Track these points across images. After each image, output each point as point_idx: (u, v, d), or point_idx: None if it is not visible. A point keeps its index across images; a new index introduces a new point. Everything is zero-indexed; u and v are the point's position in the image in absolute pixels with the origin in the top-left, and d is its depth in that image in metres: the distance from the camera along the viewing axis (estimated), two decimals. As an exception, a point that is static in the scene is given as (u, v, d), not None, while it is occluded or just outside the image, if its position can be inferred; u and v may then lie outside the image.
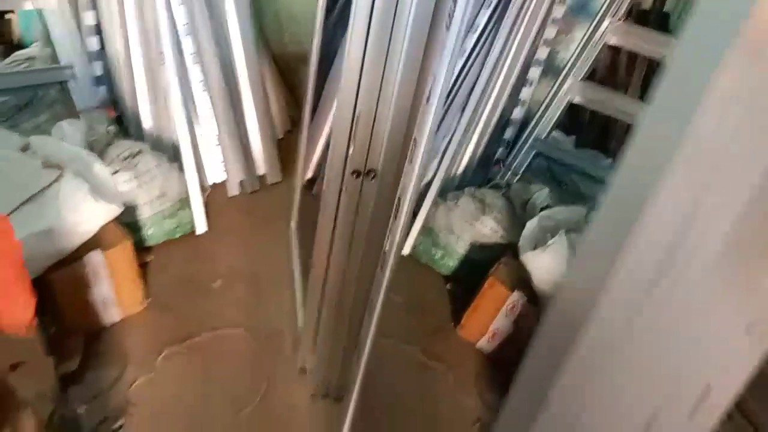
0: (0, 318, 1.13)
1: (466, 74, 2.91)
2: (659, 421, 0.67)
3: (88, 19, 2.68)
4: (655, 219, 0.60)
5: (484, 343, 2.46)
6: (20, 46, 3.02)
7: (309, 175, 3.16)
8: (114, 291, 2.14)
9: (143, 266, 2.43)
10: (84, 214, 1.88)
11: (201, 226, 2.72)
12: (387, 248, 1.46)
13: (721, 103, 0.56)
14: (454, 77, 2.90)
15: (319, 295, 1.85)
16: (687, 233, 0.59)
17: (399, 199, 1.32)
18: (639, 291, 0.64)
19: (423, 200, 2.92)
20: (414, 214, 2.93)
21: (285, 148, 3.33)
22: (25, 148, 1.95)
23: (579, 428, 0.77)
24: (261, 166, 3.16)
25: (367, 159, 1.55)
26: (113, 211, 2.01)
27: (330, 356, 1.94)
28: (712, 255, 0.59)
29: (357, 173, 1.57)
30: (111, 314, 2.18)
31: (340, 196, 1.64)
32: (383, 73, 1.37)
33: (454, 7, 1.06)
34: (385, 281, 1.43)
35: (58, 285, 2.00)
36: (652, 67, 3.46)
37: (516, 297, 2.32)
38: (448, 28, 1.09)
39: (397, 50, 1.33)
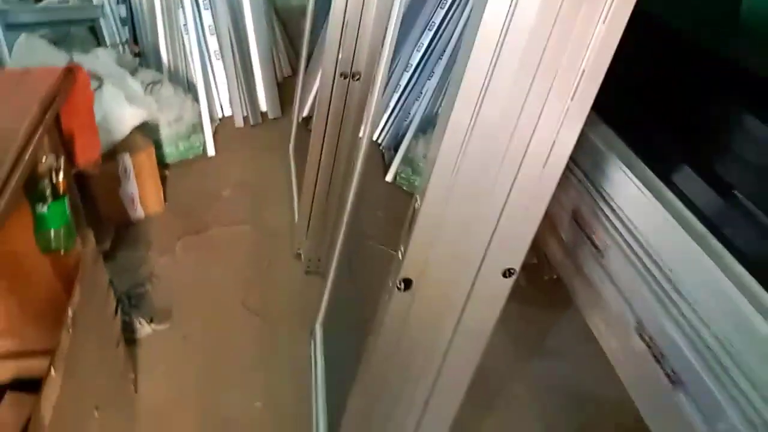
0: (78, 154, 1.44)
1: (447, 24, 3.21)
2: (522, 173, 0.99)
3: (115, -34, 2.98)
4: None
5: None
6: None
7: (305, 113, 3.47)
8: (139, 190, 2.46)
9: (163, 178, 2.74)
10: (121, 116, 2.19)
11: (211, 149, 3.03)
12: (361, 134, 1.76)
13: None
14: (435, 27, 3.20)
15: (312, 187, 2.17)
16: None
17: (373, 80, 1.63)
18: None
19: (405, 135, 3.24)
20: (395, 149, 3.26)
21: (285, 91, 3.62)
22: (70, 62, 2.25)
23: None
24: (263, 104, 3.47)
25: (352, 62, 1.87)
26: (143, 114, 2.31)
27: (319, 242, 2.26)
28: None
29: (344, 75, 1.89)
30: (137, 211, 2.50)
31: (331, 96, 1.96)
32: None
33: None
34: (360, 161, 1.73)
35: (95, 180, 2.32)
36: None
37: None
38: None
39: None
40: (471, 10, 0.84)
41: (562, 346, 2.04)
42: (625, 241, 1.06)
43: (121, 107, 2.19)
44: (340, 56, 1.86)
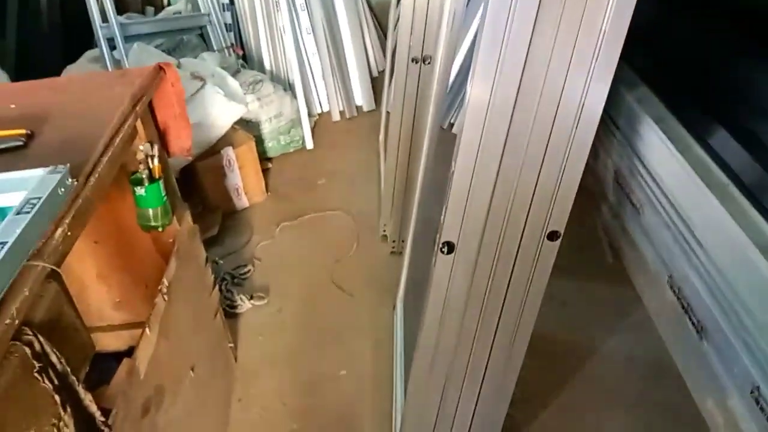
0: (170, 142, 1.60)
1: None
2: (555, 132, 0.99)
3: (220, -22, 3.22)
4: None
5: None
6: (169, 3, 3.63)
7: (397, 104, 3.55)
8: (243, 180, 2.65)
9: (265, 171, 2.92)
10: (220, 112, 2.38)
11: (309, 142, 3.19)
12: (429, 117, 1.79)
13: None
14: None
15: (393, 172, 2.24)
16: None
17: (434, 61, 1.66)
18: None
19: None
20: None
21: (379, 84, 3.72)
22: (178, 65, 2.48)
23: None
24: (359, 98, 3.59)
25: (423, 47, 1.91)
26: (242, 109, 2.50)
27: (401, 224, 2.32)
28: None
29: (415, 60, 1.93)
30: (241, 200, 2.69)
31: (406, 82, 2.01)
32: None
33: None
34: (426, 143, 1.76)
35: (203, 172, 2.53)
36: None
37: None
38: None
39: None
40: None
41: (644, 323, 1.95)
42: (656, 197, 1.03)
43: (220, 104, 2.37)
44: (411, 42, 1.91)
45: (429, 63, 1.93)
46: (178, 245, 1.58)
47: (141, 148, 1.47)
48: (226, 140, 2.57)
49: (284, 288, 2.23)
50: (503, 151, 1.01)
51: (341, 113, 3.52)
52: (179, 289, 1.50)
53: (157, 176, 1.49)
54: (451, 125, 3.18)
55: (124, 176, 1.47)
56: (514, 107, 0.96)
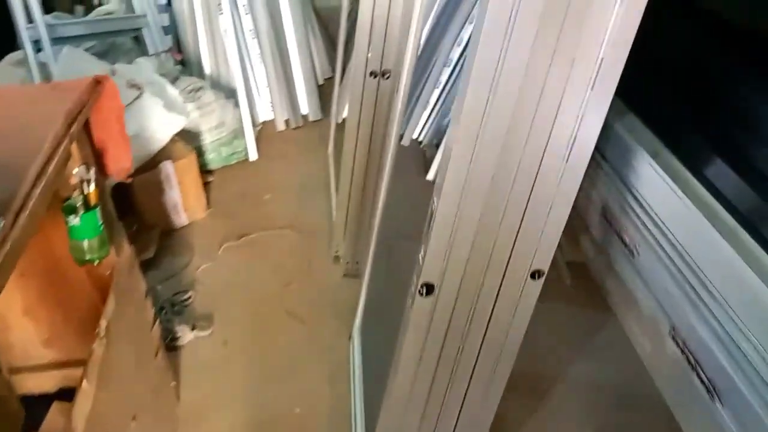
0: (108, 165, 1.47)
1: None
2: (544, 168, 0.94)
3: (156, -24, 3.05)
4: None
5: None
6: (100, 4, 3.41)
7: (344, 114, 3.47)
8: (182, 196, 2.50)
9: (205, 185, 2.78)
10: (160, 124, 2.24)
11: (253, 154, 3.07)
12: (389, 126, 1.73)
13: None
14: (475, 20, 3.13)
15: (347, 190, 2.16)
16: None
17: (399, 75, 1.59)
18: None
19: (445, 132, 3.19)
20: (437, 146, 3.20)
21: (326, 93, 3.63)
22: (112, 73, 2.31)
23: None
24: (304, 106, 3.49)
25: (382, 60, 1.84)
26: (182, 121, 2.36)
27: (355, 244, 2.25)
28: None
29: (374, 74, 1.87)
30: (180, 217, 2.55)
31: (362, 96, 1.94)
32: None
33: None
34: (389, 163, 1.70)
35: (140, 188, 2.37)
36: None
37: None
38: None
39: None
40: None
41: (609, 347, 1.95)
42: (656, 239, 1.00)
43: (159, 115, 2.23)
44: (369, 55, 1.84)
45: (388, 77, 1.86)
46: (117, 279, 1.45)
47: (75, 171, 1.34)
48: (164, 153, 2.42)
49: (230, 316, 2.11)
50: (490, 187, 0.95)
51: (286, 122, 3.41)
52: (119, 330, 1.37)
53: (93, 203, 1.36)
54: (401, 137, 3.12)
55: (55, 202, 1.33)
56: (503, 141, 0.91)
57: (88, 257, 1.38)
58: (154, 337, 1.69)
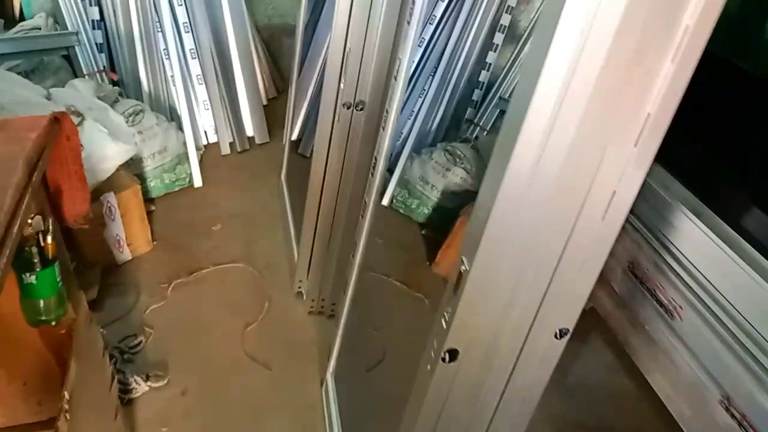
0: (66, 208, 1.31)
1: (437, 40, 3.13)
2: (579, 227, 0.90)
3: (88, -10, 2.84)
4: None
5: (457, 276, 2.67)
6: (22, 20, 3.13)
7: (294, 136, 3.36)
8: (125, 230, 2.32)
9: (149, 215, 2.59)
10: (105, 154, 2.06)
11: (198, 180, 2.90)
12: (372, 170, 1.66)
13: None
14: (424, 43, 3.12)
15: (313, 223, 2.06)
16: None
17: (386, 111, 1.52)
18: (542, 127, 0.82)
19: (400, 155, 3.15)
20: (390, 170, 3.15)
21: (271, 113, 3.51)
22: (48, 97, 2.11)
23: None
24: (249, 128, 3.34)
25: (356, 91, 1.76)
26: (130, 150, 2.18)
27: (322, 280, 2.15)
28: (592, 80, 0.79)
29: (347, 105, 1.78)
30: (123, 252, 2.36)
31: (333, 128, 1.85)
32: (369, 9, 1.58)
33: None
34: (375, 188, 1.62)
35: (77, 222, 2.17)
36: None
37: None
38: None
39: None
40: (532, 42, 0.73)
41: (583, 380, 1.94)
42: (702, 301, 0.97)
43: (104, 145, 2.05)
44: (342, 86, 1.76)
45: (362, 109, 1.78)
46: (77, 340, 1.29)
47: (31, 222, 1.18)
48: (105, 184, 2.23)
49: (186, 363, 1.96)
50: (524, 247, 0.89)
51: (231, 145, 3.26)
52: (80, 399, 1.22)
53: (51, 257, 1.21)
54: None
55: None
56: (546, 200, 0.85)
57: (43, 318, 1.23)
58: (113, 396, 1.53)
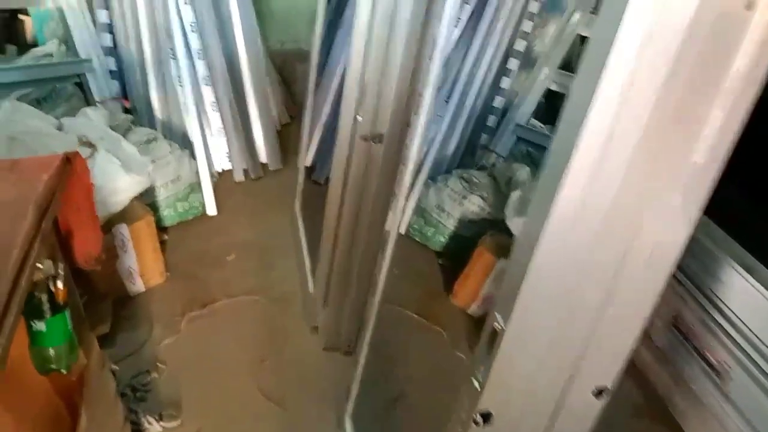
0: (77, 250, 1.27)
1: (451, 66, 3.09)
2: (622, 275, 0.84)
3: (102, 17, 2.83)
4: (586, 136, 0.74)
5: (475, 308, 2.61)
6: (34, 46, 3.13)
7: (308, 163, 3.32)
8: (138, 262, 2.28)
9: (161, 244, 2.56)
10: (118, 186, 2.02)
11: (211, 208, 2.87)
12: (393, 203, 1.61)
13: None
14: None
15: (329, 257, 2.01)
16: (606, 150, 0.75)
17: (406, 145, 1.48)
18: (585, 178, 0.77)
19: (415, 182, 3.10)
20: (413, 181, 3.09)
21: (284, 140, 3.48)
22: (59, 128, 2.09)
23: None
24: (263, 155, 3.32)
25: (374, 125, 1.72)
26: (143, 182, 2.15)
27: (339, 315, 2.09)
28: (635, 139, 0.75)
29: (365, 138, 1.74)
30: (136, 284, 2.32)
31: (349, 161, 1.80)
32: (388, 40, 1.55)
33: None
34: (392, 239, 1.58)
35: (89, 255, 2.14)
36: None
37: (503, 263, 2.48)
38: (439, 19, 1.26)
39: (401, 18, 1.50)
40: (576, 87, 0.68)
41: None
42: (757, 365, 0.91)
43: (117, 177, 2.02)
44: (359, 118, 1.72)
45: (380, 142, 1.74)
46: (88, 387, 1.24)
47: (41, 266, 1.14)
48: (118, 215, 2.20)
49: (200, 401, 1.90)
50: (564, 300, 0.84)
51: (245, 172, 3.23)
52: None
53: (61, 303, 1.16)
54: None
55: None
56: (588, 248, 0.80)
57: (54, 366, 1.18)
58: (124, 444, 1.47)
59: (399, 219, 1.51)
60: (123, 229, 2.18)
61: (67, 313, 1.16)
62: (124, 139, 2.21)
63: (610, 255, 0.84)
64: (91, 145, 2.04)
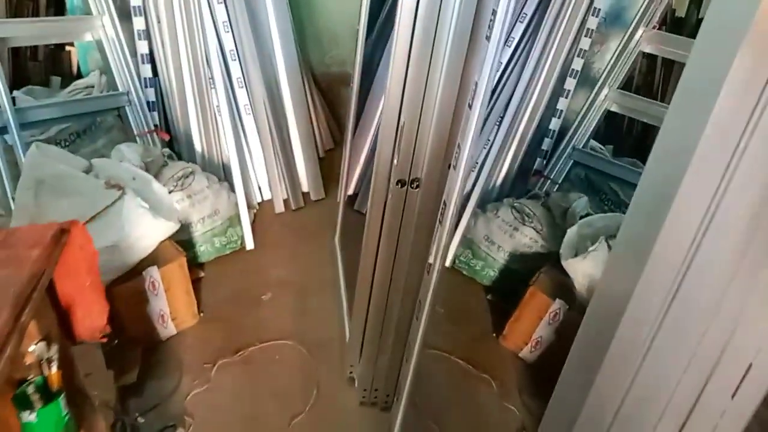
0: (77, 324, 1.17)
1: (503, 87, 2.91)
2: (702, 403, 0.67)
3: (142, 48, 2.78)
4: (681, 210, 0.60)
5: (527, 352, 2.42)
6: (79, 76, 3.14)
7: (351, 191, 3.20)
8: (170, 305, 2.19)
9: (196, 282, 2.48)
10: (145, 231, 1.95)
11: (250, 243, 2.78)
12: (432, 256, 1.46)
13: (736, 98, 0.56)
14: (492, 87, 2.90)
15: (365, 305, 1.87)
16: (710, 224, 0.59)
17: (444, 204, 1.33)
18: (669, 282, 0.63)
19: (463, 211, 2.92)
20: (454, 226, 2.93)
21: (327, 166, 3.37)
22: (87, 170, 2.03)
23: (620, 420, 0.76)
24: (305, 184, 3.22)
25: (411, 168, 1.57)
26: (171, 227, 2.07)
27: (376, 365, 1.94)
28: (738, 237, 0.59)
29: (402, 182, 1.59)
30: (167, 328, 2.23)
31: (385, 206, 1.66)
32: (426, 82, 1.40)
33: (494, 19, 1.07)
34: (431, 289, 1.43)
35: (120, 299, 2.06)
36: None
37: (558, 305, 2.29)
38: (488, 39, 1.10)
39: (439, 60, 1.35)
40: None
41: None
42: None
43: (144, 221, 1.94)
44: (395, 161, 1.57)
45: (417, 186, 1.58)
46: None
47: (32, 349, 1.03)
48: (149, 257, 2.12)
49: (228, 460, 1.79)
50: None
51: (285, 202, 3.13)
52: None
53: (55, 389, 1.05)
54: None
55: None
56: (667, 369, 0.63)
57: (47, 458, 1.07)
58: None
59: (435, 283, 1.35)
60: (154, 272, 2.10)
61: (61, 401, 1.05)
62: (155, 181, 2.13)
63: (690, 377, 0.66)
64: (119, 188, 1.96)
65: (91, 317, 1.20)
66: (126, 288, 2.06)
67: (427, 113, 1.46)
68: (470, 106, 1.17)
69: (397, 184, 1.61)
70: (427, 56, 1.37)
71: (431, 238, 1.64)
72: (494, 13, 1.08)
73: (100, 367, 1.96)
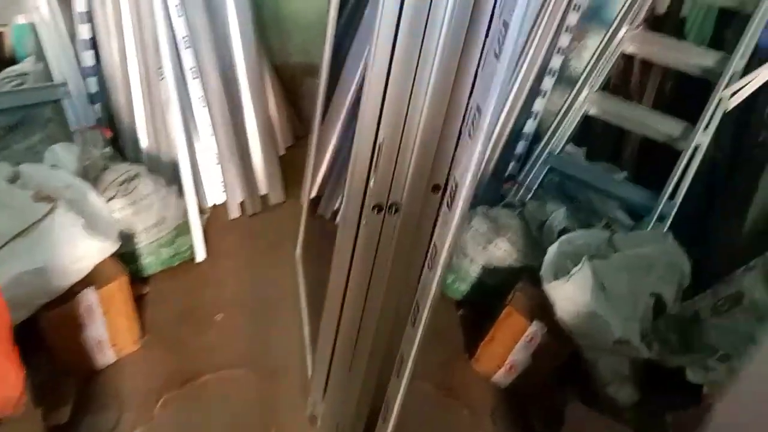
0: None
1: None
2: None
3: (83, 33, 2.47)
4: None
5: (501, 376, 2.27)
6: (13, 61, 2.80)
7: (314, 193, 2.97)
8: (108, 330, 1.95)
9: (140, 299, 2.24)
10: (79, 252, 1.70)
11: (201, 253, 2.53)
12: (418, 297, 1.27)
13: None
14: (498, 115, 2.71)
15: (331, 341, 1.67)
16: None
17: (435, 247, 1.14)
18: None
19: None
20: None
21: (288, 165, 3.13)
22: (14, 179, 1.76)
23: None
24: (263, 186, 2.97)
25: (389, 192, 1.37)
26: (109, 247, 1.82)
27: (343, 406, 1.75)
28: None
29: (378, 207, 1.38)
30: (105, 355, 1.99)
31: (357, 233, 1.45)
32: (410, 95, 1.19)
33: (505, 33, 0.87)
34: (419, 335, 1.25)
35: (50, 326, 1.81)
36: (667, 76, 3.26)
37: (535, 327, 2.14)
38: (497, 56, 0.90)
39: (427, 66, 1.14)
40: None
41: None
42: None
43: (78, 241, 1.69)
44: (371, 185, 1.36)
45: (396, 211, 1.38)
46: None
47: None
48: (85, 277, 1.87)
49: None
50: None
51: (241, 206, 2.88)
52: None
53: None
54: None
55: None
56: None
57: None
58: None
59: (420, 337, 1.16)
60: (90, 295, 1.85)
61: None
62: (92, 191, 1.87)
63: None
64: (50, 200, 1.70)
65: (7, 388, 0.97)
66: (57, 314, 1.81)
67: (410, 131, 1.26)
68: (470, 136, 0.97)
69: (373, 209, 1.40)
70: (413, 65, 1.17)
71: (409, 271, 1.45)
72: (506, 25, 0.88)
73: (26, 406, 1.72)
